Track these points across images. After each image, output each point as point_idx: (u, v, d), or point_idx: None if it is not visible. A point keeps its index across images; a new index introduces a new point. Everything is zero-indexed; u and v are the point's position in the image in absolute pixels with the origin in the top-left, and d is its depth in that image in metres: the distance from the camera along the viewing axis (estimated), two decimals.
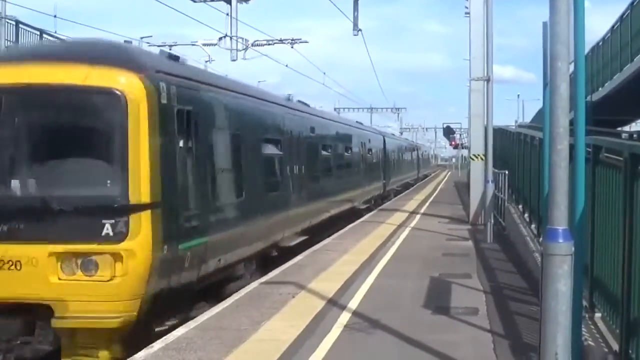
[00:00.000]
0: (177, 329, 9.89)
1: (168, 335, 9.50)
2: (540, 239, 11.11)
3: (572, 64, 6.78)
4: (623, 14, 22.87)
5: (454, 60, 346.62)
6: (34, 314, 9.23)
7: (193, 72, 12.54)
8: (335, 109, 71.72)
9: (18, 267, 8.91)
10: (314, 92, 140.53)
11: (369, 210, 30.71)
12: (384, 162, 39.37)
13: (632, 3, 21.65)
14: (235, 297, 12.02)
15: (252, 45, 31.15)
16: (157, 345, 9.05)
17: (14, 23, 24.15)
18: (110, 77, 9.32)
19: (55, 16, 27.48)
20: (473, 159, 24.65)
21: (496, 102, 23.92)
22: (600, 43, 26.62)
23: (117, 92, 9.16)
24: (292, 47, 32.71)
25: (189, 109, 10.75)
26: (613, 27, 24.44)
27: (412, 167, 65.48)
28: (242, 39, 29.82)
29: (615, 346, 7.16)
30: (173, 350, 8.77)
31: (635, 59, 20.79)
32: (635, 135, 22.17)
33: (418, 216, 26.83)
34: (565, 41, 5.94)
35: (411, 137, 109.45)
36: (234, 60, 29.44)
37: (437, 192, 46.35)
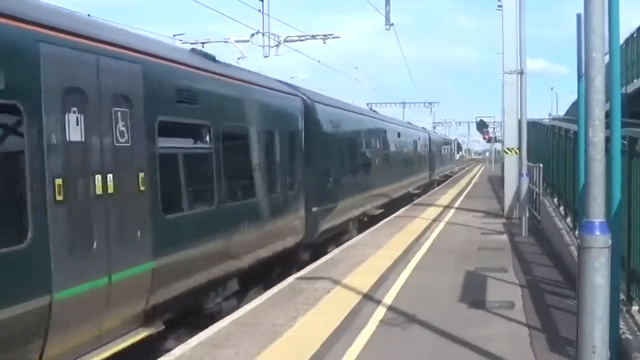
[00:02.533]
0: (213, 325, 9.96)
1: (204, 331, 9.58)
2: (577, 232, 11.00)
3: (607, 55, 6.70)
4: None
5: (487, 53, 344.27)
6: None
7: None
8: (367, 105, 71.58)
9: None
10: (345, 86, 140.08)
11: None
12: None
13: None
14: (270, 292, 12.08)
15: (284, 41, 31.15)
16: (194, 341, 9.12)
17: None
18: None
19: (88, 15, 27.66)
20: (507, 153, 24.50)
21: (529, 95, 23.75)
22: (635, 34, 26.24)
23: None
24: (324, 43, 32.64)
25: None
26: None
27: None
28: (274, 35, 29.85)
29: None
30: (209, 346, 8.84)
31: None
32: None
33: (452, 210, 26.73)
34: (600, 32, 5.87)
35: (444, 131, 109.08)
36: (266, 57, 29.48)
37: (471, 186, 46.09)
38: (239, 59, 32.77)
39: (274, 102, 14.85)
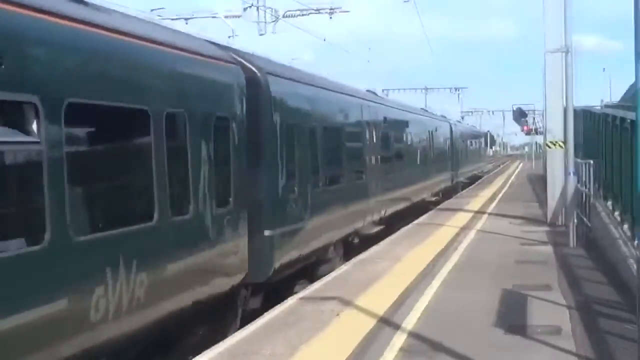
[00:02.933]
0: (201, 355, 9.88)
1: None
2: (636, 242, 10.90)
3: None
4: None
5: (526, 28, 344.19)
6: None
7: None
8: (383, 91, 71.56)
9: None
10: (355, 70, 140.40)
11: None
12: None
13: None
14: (269, 315, 12.00)
15: (283, 16, 31.14)
16: None
17: None
18: None
19: None
20: (550, 147, 24.39)
21: (577, 78, 23.64)
22: None
23: None
24: (330, 18, 32.66)
25: None
26: None
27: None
28: (271, 9, 29.83)
29: None
30: None
31: None
32: None
33: (485, 216, 26.65)
34: None
35: (474, 122, 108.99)
36: (261, 35, 29.48)
37: (507, 187, 46.04)
38: (229, 37, 32.78)
39: (184, 70, 11.25)
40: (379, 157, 23.98)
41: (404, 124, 30.45)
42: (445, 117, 51.17)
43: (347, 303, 12.55)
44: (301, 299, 13.19)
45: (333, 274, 15.69)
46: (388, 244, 20.31)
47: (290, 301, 13.02)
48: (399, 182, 27.04)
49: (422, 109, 44.74)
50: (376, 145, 23.80)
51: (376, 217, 23.05)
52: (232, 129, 12.49)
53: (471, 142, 63.00)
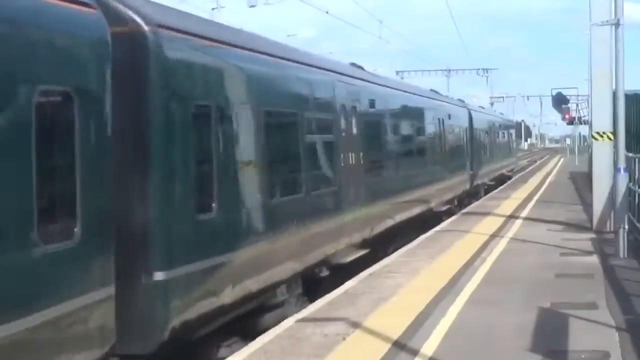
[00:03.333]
0: None
1: None
2: None
3: None
4: None
5: None
6: None
7: None
8: (397, 73, 71.68)
9: None
10: (365, 48, 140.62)
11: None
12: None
13: None
14: (261, 340, 12.03)
15: None
16: None
17: None
18: None
19: None
20: (597, 139, 24.36)
21: (629, 56, 23.58)
22: None
23: None
24: None
25: None
26: None
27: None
28: None
29: None
30: None
31: None
32: None
33: (518, 222, 26.68)
34: None
35: (505, 109, 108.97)
36: (252, 7, 29.52)
37: (545, 186, 46.07)
38: (213, 9, 32.85)
39: None
40: (360, 154, 20.32)
41: (401, 110, 26.80)
42: (463, 101, 48.10)
43: (355, 325, 12.57)
44: (301, 320, 13.20)
45: (338, 291, 15.67)
46: (403, 255, 20.32)
47: (288, 323, 13.04)
48: (392, 188, 23.71)
49: (431, 90, 38.98)
50: (356, 138, 20.34)
51: (356, 238, 19.82)
52: (77, 110, 9.33)
53: (498, 133, 58.29)
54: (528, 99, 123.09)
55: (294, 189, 15.97)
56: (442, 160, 32.93)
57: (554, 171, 66.74)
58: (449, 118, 35.69)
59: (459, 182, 37.17)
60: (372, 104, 22.35)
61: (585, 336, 11.65)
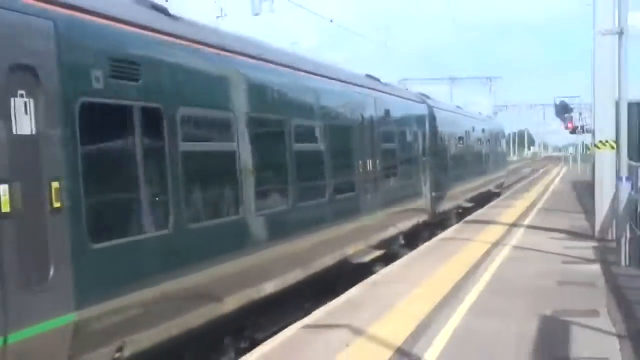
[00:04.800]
0: None
1: None
2: None
3: None
4: None
5: (572, 5, 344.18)
6: None
7: None
8: (401, 81, 71.68)
9: None
10: (368, 56, 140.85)
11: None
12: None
13: None
14: (263, 347, 12.08)
15: None
16: None
17: None
18: None
19: None
20: (599, 148, 24.39)
21: (633, 65, 23.61)
22: None
23: None
24: None
25: None
26: None
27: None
28: None
29: None
30: None
31: None
32: None
33: (521, 230, 26.70)
34: None
35: (508, 117, 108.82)
36: (256, 15, 29.58)
37: (547, 194, 46.07)
38: (217, 17, 32.90)
39: None
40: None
41: (291, 101, 16.53)
42: (425, 96, 34.22)
43: (358, 332, 12.64)
44: (304, 327, 13.26)
45: (341, 299, 15.75)
46: (405, 264, 20.34)
47: (292, 330, 13.09)
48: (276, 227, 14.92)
49: (367, 76, 24.94)
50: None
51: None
52: None
53: (481, 140, 46.85)
54: (531, 107, 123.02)
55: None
56: (362, 186, 20.54)
57: (557, 179, 66.67)
58: (386, 115, 23.54)
59: (403, 215, 24.89)
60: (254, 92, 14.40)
61: (587, 344, 11.67)
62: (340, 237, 18.45)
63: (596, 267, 18.62)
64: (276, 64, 15.99)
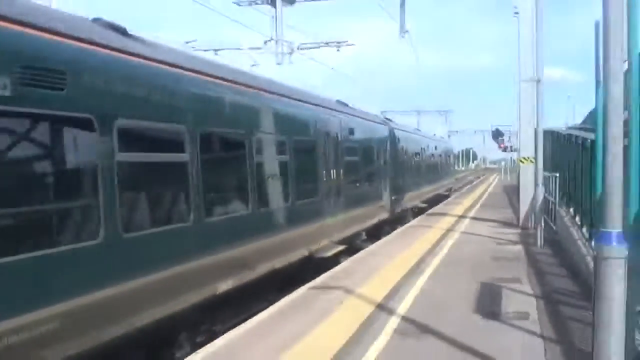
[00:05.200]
0: (225, 335, 9.98)
1: (213, 342, 9.61)
2: (593, 242, 10.95)
3: (626, 63, 6.68)
4: None
5: (504, 60, 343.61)
6: None
7: None
8: (381, 112, 71.46)
9: None
10: (358, 95, 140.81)
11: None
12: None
13: None
14: (282, 302, 12.08)
15: (298, 48, 31.23)
16: (202, 353, 9.15)
17: None
18: None
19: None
20: (522, 162, 24.43)
21: (546, 104, 23.60)
22: None
23: None
24: (337, 50, 32.70)
25: None
26: None
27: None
28: (288, 42, 29.93)
29: None
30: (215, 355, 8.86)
31: None
32: None
33: (467, 220, 26.66)
34: (619, 39, 5.86)
35: (458, 141, 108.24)
36: (279, 65, 29.56)
37: (485, 195, 45.98)
38: (252, 66, 32.84)
39: None
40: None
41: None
42: (388, 119, 31.81)
43: (349, 292, 12.64)
44: (311, 288, 13.26)
45: (338, 268, 15.73)
46: (382, 244, 20.32)
47: (302, 290, 13.10)
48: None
49: (337, 101, 21.74)
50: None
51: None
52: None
53: (433, 155, 43.99)
54: (475, 132, 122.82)
55: None
56: (326, 192, 17.46)
57: (492, 185, 66.53)
58: (350, 133, 20.46)
59: (366, 214, 22.09)
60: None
61: (513, 302, 11.65)
62: (304, 236, 15.36)
63: (519, 247, 18.58)
64: (231, 82, 12.12)
